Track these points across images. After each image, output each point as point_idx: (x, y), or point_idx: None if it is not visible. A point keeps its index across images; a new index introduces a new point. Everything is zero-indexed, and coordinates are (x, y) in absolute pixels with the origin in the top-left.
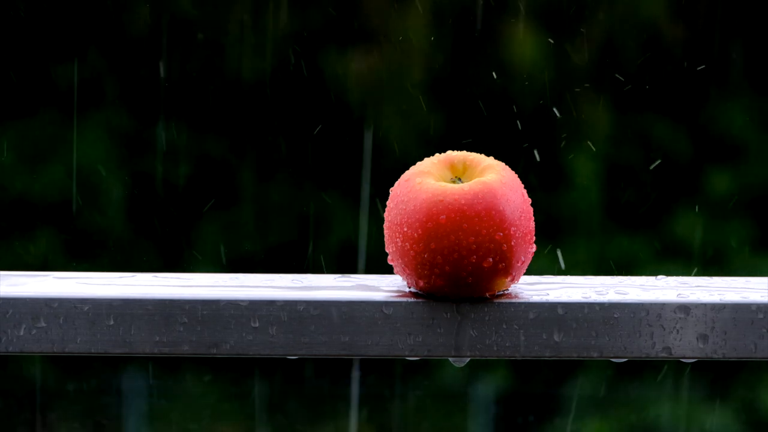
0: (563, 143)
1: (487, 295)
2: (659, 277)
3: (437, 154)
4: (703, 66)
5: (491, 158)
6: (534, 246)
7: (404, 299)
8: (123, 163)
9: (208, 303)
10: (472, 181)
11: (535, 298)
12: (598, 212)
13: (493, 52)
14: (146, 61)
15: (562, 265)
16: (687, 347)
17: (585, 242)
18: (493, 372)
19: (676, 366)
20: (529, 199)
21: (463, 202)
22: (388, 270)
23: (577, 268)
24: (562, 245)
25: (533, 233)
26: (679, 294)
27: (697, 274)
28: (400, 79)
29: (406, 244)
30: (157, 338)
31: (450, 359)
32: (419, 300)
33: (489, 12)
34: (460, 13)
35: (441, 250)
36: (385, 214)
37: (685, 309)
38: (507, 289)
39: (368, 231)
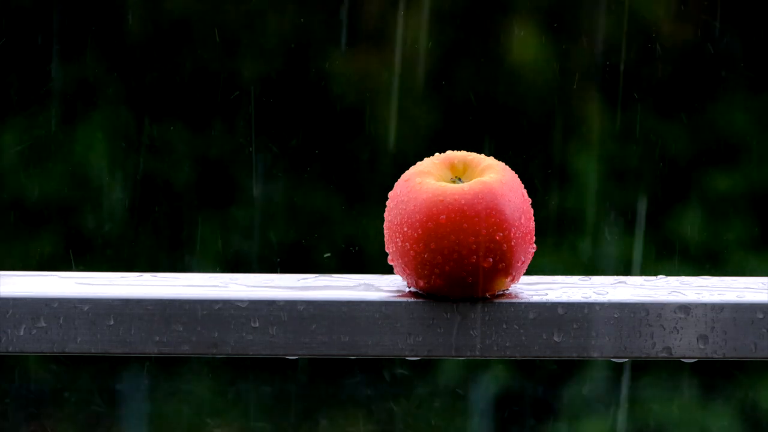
0: (563, 143)
1: (487, 295)
2: (659, 277)
3: (437, 154)
4: (704, 65)
5: (491, 158)
6: (534, 246)
7: (404, 299)
8: (123, 162)
9: (208, 303)
10: (472, 181)
11: (535, 298)
12: (598, 212)
13: (494, 51)
14: (146, 60)
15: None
16: (687, 347)
17: (585, 242)
18: (493, 372)
19: (676, 366)
20: (529, 199)
21: (463, 202)
22: (388, 270)
23: (577, 268)
24: (562, 245)
25: (533, 233)
26: (679, 294)
27: (697, 274)
28: (400, 79)
29: (406, 244)
30: (157, 338)
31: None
32: (419, 300)
33: (489, 11)
34: (460, 12)
35: (441, 250)
36: (385, 214)
37: (685, 309)
38: (507, 289)
39: (368, 231)
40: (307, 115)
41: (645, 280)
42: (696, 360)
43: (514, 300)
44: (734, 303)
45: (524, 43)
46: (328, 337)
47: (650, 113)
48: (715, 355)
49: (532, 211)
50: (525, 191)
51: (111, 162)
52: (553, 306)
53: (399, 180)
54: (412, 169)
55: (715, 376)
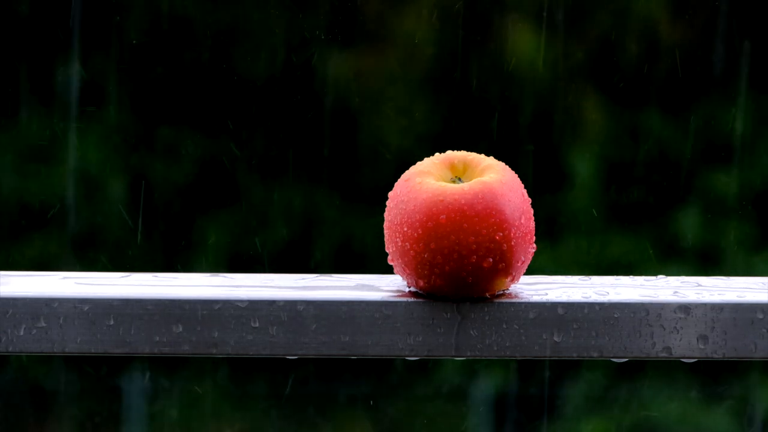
0: (563, 142)
1: (487, 295)
2: (659, 277)
3: (437, 154)
4: (704, 64)
5: (491, 158)
6: (534, 246)
7: (404, 299)
8: (123, 162)
9: (208, 303)
10: (472, 181)
11: (535, 298)
12: (598, 211)
13: (493, 51)
14: (146, 61)
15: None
16: (687, 347)
17: (585, 242)
18: (493, 372)
19: (675, 366)
20: (529, 199)
21: (463, 202)
22: (388, 270)
23: (577, 268)
24: (562, 245)
25: (533, 233)
26: (679, 294)
27: (697, 274)
28: (400, 78)
29: (406, 244)
30: (157, 338)
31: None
32: (419, 300)
33: (488, 11)
34: (460, 12)
35: (441, 250)
36: (385, 214)
37: (685, 309)
38: (507, 289)
39: (368, 231)
40: (307, 115)
41: (645, 280)
42: (696, 360)
43: (514, 300)
44: (734, 303)
45: (524, 42)
46: (328, 337)
47: (650, 112)
48: (715, 355)
49: (532, 211)
50: (525, 191)
51: (111, 162)
52: (553, 306)
53: (399, 180)
54: (412, 169)
55: (715, 376)
